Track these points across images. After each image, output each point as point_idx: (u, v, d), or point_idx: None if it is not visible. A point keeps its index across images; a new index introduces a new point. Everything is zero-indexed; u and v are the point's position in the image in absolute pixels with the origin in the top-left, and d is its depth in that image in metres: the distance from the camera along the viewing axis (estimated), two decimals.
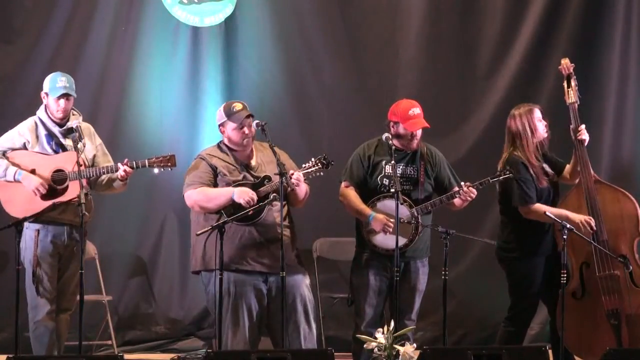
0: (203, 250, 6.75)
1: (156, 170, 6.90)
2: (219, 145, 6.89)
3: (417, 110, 6.95)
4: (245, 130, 6.75)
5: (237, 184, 6.72)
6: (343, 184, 6.97)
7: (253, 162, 6.84)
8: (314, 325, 6.86)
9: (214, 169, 6.76)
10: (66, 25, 8.66)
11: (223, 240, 6.48)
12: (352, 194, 6.92)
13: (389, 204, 6.84)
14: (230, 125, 6.78)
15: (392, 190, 6.75)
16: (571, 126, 7.05)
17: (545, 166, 7.06)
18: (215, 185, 6.75)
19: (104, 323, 8.35)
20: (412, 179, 6.93)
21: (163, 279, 8.87)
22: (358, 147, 7.06)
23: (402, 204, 6.77)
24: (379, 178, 6.93)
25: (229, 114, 6.79)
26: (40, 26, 8.65)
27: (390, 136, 6.87)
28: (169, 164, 6.86)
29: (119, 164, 6.86)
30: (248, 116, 6.77)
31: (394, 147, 6.86)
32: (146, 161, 6.87)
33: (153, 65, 8.77)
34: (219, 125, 6.85)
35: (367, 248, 6.92)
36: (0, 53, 8.64)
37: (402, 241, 6.77)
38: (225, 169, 6.75)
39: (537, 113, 7.02)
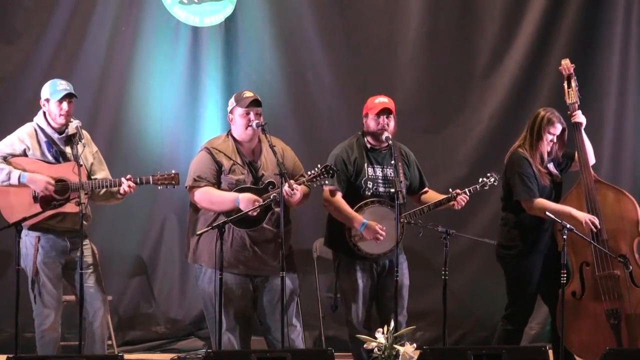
0: (195, 245, 6.84)
1: (159, 187, 6.92)
2: (227, 136, 6.91)
3: (383, 99, 7.00)
4: (251, 116, 6.76)
5: (240, 188, 6.72)
6: (328, 188, 6.91)
7: (258, 161, 6.85)
8: (295, 323, 6.88)
9: (219, 166, 6.78)
10: (66, 26, 8.66)
11: (217, 241, 6.49)
12: (340, 201, 6.91)
13: (378, 210, 6.86)
14: (238, 111, 6.81)
15: (381, 190, 6.89)
16: (568, 112, 7.09)
17: (550, 166, 7.07)
18: (219, 182, 6.77)
19: None
20: (392, 180, 6.90)
21: (163, 279, 8.87)
22: (337, 149, 7.05)
23: (389, 208, 6.83)
24: (363, 181, 6.93)
25: (239, 99, 6.83)
26: (41, 27, 8.64)
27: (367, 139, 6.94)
28: (173, 182, 6.88)
29: (123, 179, 6.85)
30: (255, 102, 6.78)
31: (369, 146, 6.95)
32: (150, 178, 6.87)
33: (153, 65, 8.77)
34: (229, 113, 6.89)
35: (350, 252, 6.92)
36: (1, 54, 8.63)
37: (389, 246, 6.85)
38: (229, 166, 6.77)
39: (556, 129, 7.00)
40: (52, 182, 6.78)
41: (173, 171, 6.93)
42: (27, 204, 6.79)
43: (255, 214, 6.62)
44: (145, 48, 8.76)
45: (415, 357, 5.83)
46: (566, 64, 7.19)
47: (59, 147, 6.91)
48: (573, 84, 7.14)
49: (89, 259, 6.90)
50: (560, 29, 8.75)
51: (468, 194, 6.94)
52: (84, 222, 6.74)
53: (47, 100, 6.90)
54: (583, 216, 6.90)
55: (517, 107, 8.70)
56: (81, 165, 6.75)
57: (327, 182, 6.76)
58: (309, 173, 6.75)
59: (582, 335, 7.02)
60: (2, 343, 8.11)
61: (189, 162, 6.99)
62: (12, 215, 6.79)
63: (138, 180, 6.87)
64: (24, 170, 6.82)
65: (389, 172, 6.94)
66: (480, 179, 7.05)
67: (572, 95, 7.13)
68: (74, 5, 8.68)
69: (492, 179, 7.04)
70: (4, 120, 8.18)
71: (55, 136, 6.90)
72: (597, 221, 6.90)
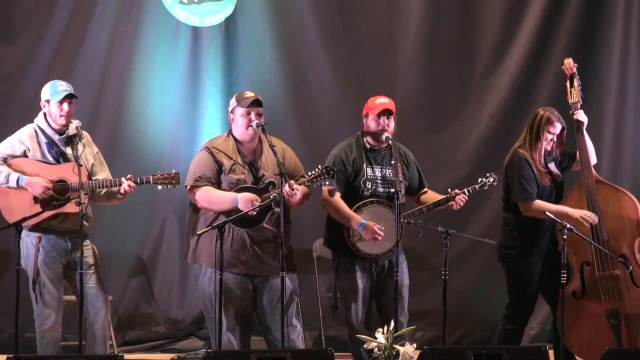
0: (195, 245, 6.85)
1: (160, 187, 6.92)
2: (227, 136, 6.90)
3: (384, 99, 6.98)
4: (252, 116, 6.76)
5: (240, 187, 6.72)
6: (327, 188, 6.90)
7: (258, 161, 6.85)
8: (295, 323, 6.88)
9: (220, 166, 6.78)
10: (66, 26, 8.66)
11: (217, 241, 6.50)
12: (339, 201, 6.90)
13: (377, 210, 6.86)
14: (239, 111, 6.80)
15: (380, 190, 6.88)
16: (570, 111, 7.09)
17: (552, 165, 7.07)
18: (219, 181, 6.77)
19: None
20: (392, 181, 6.90)
21: (163, 279, 8.88)
22: (336, 149, 7.05)
23: (387, 208, 6.83)
24: (362, 181, 6.93)
25: (240, 99, 6.83)
26: (41, 27, 8.64)
27: (367, 139, 6.92)
28: (173, 181, 6.90)
29: (123, 179, 6.85)
30: (256, 102, 6.78)
31: (369, 147, 6.94)
32: (150, 177, 6.89)
33: (153, 65, 8.77)
34: (230, 112, 6.88)
35: (349, 252, 6.91)
36: (1, 54, 8.63)
37: (388, 246, 6.85)
38: (230, 166, 6.77)
39: (555, 128, 7.00)
40: (50, 185, 6.78)
41: (173, 171, 6.94)
42: (27, 204, 6.79)
43: (254, 214, 6.62)
44: (145, 48, 8.76)
45: (415, 357, 5.83)
46: (569, 63, 7.19)
47: (59, 148, 6.91)
48: (575, 83, 7.14)
49: (90, 259, 6.91)
50: (560, 29, 8.74)
51: (467, 194, 6.94)
52: (85, 223, 6.75)
53: (48, 101, 6.90)
54: (579, 213, 6.90)
55: (517, 107, 8.70)
56: (81, 166, 6.76)
57: (327, 182, 6.76)
58: (310, 173, 6.75)
59: (582, 335, 7.03)
60: (2, 343, 8.11)
61: (189, 162, 6.99)
62: (12, 216, 6.79)
63: (138, 179, 6.87)
64: (24, 171, 6.82)
65: (388, 172, 6.94)
66: (480, 179, 7.05)
67: (574, 95, 7.13)
68: (74, 5, 8.68)
69: (492, 179, 7.04)
70: (4, 120, 8.18)
71: (56, 137, 6.90)
72: (595, 217, 6.90)
